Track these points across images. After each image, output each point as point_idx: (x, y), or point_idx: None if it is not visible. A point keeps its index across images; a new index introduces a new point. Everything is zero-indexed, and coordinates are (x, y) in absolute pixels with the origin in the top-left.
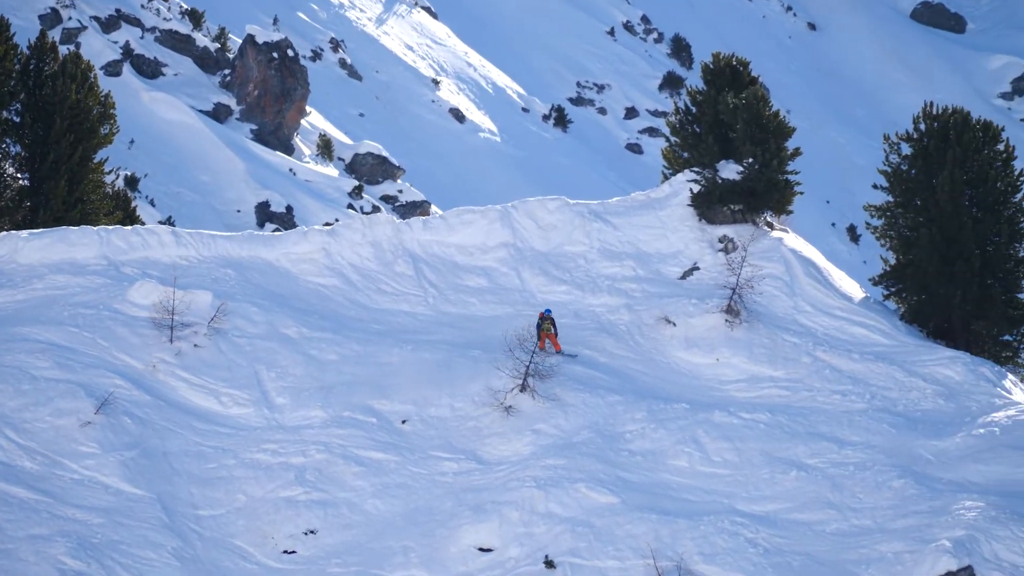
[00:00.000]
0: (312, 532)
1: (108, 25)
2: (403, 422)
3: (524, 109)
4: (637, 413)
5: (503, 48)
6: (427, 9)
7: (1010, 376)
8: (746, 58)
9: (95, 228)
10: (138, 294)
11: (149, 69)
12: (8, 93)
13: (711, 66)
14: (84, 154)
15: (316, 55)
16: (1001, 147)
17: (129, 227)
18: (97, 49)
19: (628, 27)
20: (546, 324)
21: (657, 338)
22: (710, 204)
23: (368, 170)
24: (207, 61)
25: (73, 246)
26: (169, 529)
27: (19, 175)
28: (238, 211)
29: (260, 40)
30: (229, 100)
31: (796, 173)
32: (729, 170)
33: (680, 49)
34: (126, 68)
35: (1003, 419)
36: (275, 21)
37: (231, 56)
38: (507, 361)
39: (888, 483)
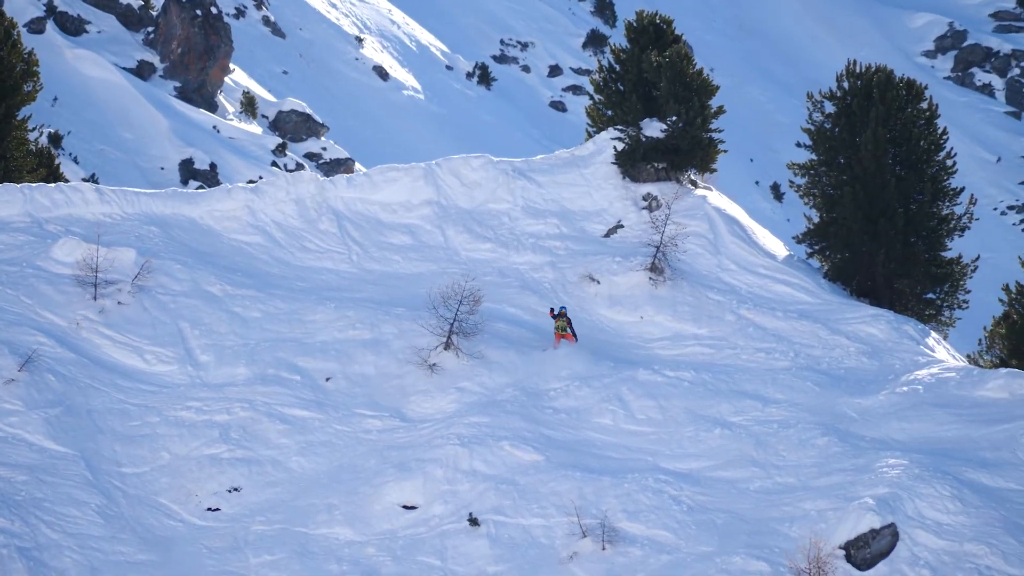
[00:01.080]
0: (236, 490)
1: None
2: (327, 380)
3: (448, 67)
4: (561, 371)
5: (426, 5)
6: None
7: (933, 334)
8: (669, 16)
9: (18, 185)
10: (62, 251)
11: (72, 26)
12: None
13: (635, 24)
14: (7, 111)
15: (239, 12)
16: (924, 105)
17: (53, 184)
18: (20, 6)
19: None
20: (560, 323)
21: (581, 296)
22: (634, 162)
23: (292, 128)
24: (131, 19)
25: None
26: (93, 487)
27: None
28: (162, 168)
29: None
30: (153, 58)
31: (720, 131)
32: (653, 128)
33: (604, 7)
34: (49, 25)
35: (926, 377)
36: None
37: (155, 14)
38: (431, 319)
39: (812, 441)
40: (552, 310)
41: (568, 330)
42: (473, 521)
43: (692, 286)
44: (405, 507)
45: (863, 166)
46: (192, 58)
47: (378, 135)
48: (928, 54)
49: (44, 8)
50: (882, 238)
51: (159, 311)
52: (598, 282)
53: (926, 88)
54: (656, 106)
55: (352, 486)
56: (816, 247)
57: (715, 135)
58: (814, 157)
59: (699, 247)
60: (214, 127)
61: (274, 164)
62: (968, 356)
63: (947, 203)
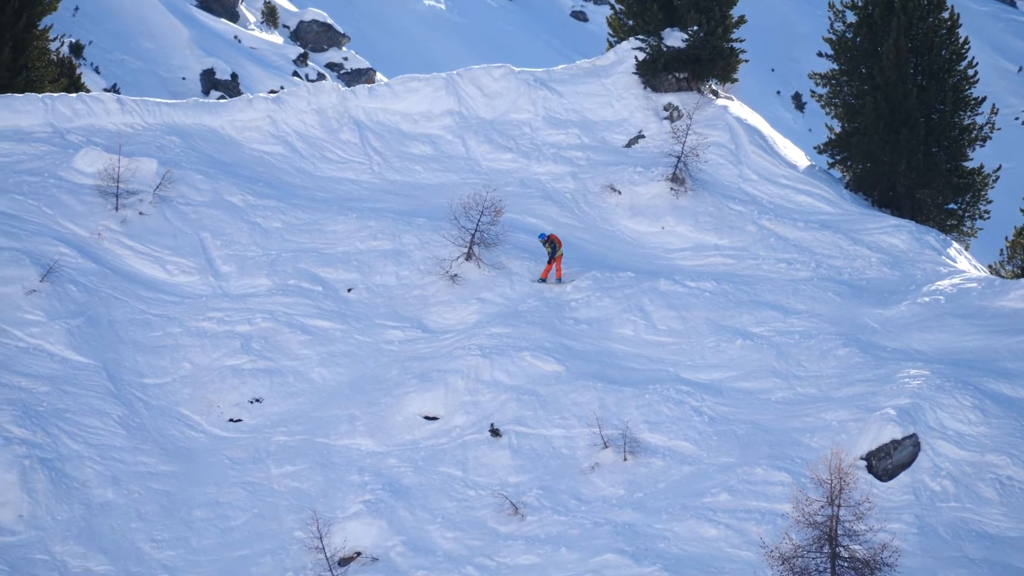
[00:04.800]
0: (258, 400)
1: None
2: (348, 290)
3: None
4: (583, 281)
5: None
6: None
7: (955, 244)
8: None
9: (40, 95)
10: (83, 161)
11: None
12: None
13: None
14: (28, 21)
15: None
16: (945, 15)
17: (74, 94)
18: None
19: None
20: (553, 249)
21: (602, 206)
22: (655, 72)
23: (313, 37)
24: None
25: (17, 113)
26: (115, 397)
27: None
28: (183, 79)
29: None
30: None
31: (741, 41)
32: (674, 38)
33: None
34: None
35: (948, 287)
36: None
37: None
38: (452, 229)
39: (833, 351)
40: (542, 238)
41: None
42: (494, 432)
43: (713, 196)
44: (427, 418)
45: (884, 76)
46: None
47: (399, 45)
48: None
49: None
50: (903, 148)
51: (180, 221)
52: (619, 192)
53: None
54: (677, 15)
55: (373, 397)
56: (837, 157)
57: (736, 45)
58: (836, 67)
59: (720, 157)
60: (235, 37)
61: (295, 74)
62: (990, 266)
63: (968, 113)
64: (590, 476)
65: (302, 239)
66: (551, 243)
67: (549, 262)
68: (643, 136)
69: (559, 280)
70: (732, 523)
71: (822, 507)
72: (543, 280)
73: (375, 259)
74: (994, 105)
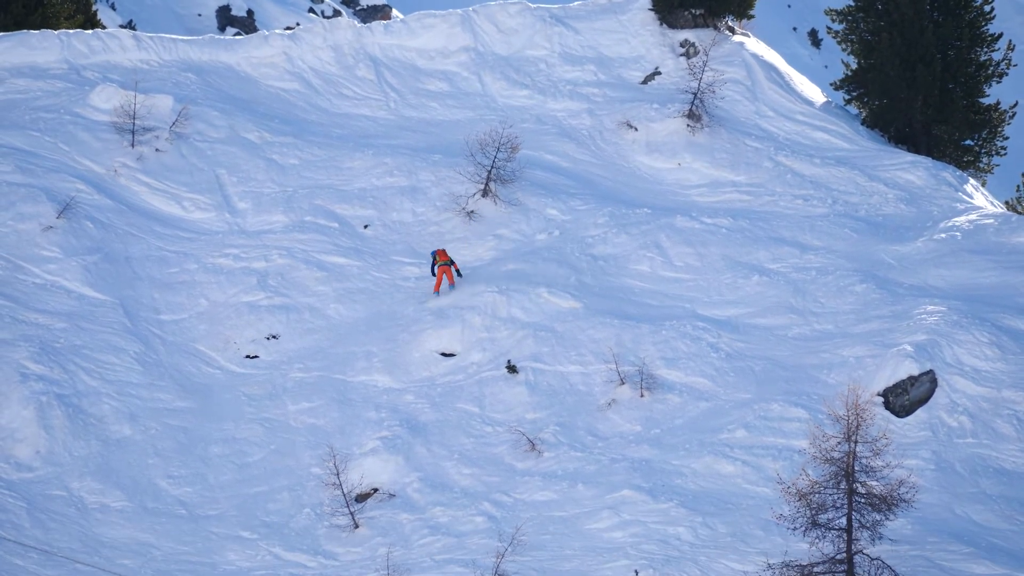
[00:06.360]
0: (274, 337)
1: None
2: (365, 227)
3: None
4: (599, 218)
5: None
6: None
7: (971, 180)
8: None
9: (55, 32)
10: (99, 98)
11: None
12: None
13: None
14: None
15: None
16: None
17: (90, 31)
18: None
19: None
20: (442, 260)
21: (619, 143)
22: (671, 8)
23: None
24: None
25: (34, 50)
26: (131, 333)
27: None
28: (199, 15)
29: None
30: None
31: None
32: None
33: None
34: None
35: (965, 223)
36: None
37: None
38: (469, 166)
39: (850, 288)
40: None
41: (450, 265)
42: (511, 368)
43: (730, 133)
44: (443, 354)
45: (901, 12)
46: None
47: None
48: None
49: None
50: (920, 84)
51: (197, 158)
52: (636, 129)
53: None
54: None
55: (390, 333)
56: (854, 94)
57: None
58: (852, 3)
59: (737, 94)
60: None
61: (311, 11)
62: (1006, 202)
63: (985, 49)
64: (607, 412)
65: (318, 176)
66: (435, 258)
67: (437, 272)
68: (659, 73)
69: (452, 286)
70: (749, 459)
71: (839, 443)
72: (437, 293)
73: (391, 196)
74: (1010, 41)
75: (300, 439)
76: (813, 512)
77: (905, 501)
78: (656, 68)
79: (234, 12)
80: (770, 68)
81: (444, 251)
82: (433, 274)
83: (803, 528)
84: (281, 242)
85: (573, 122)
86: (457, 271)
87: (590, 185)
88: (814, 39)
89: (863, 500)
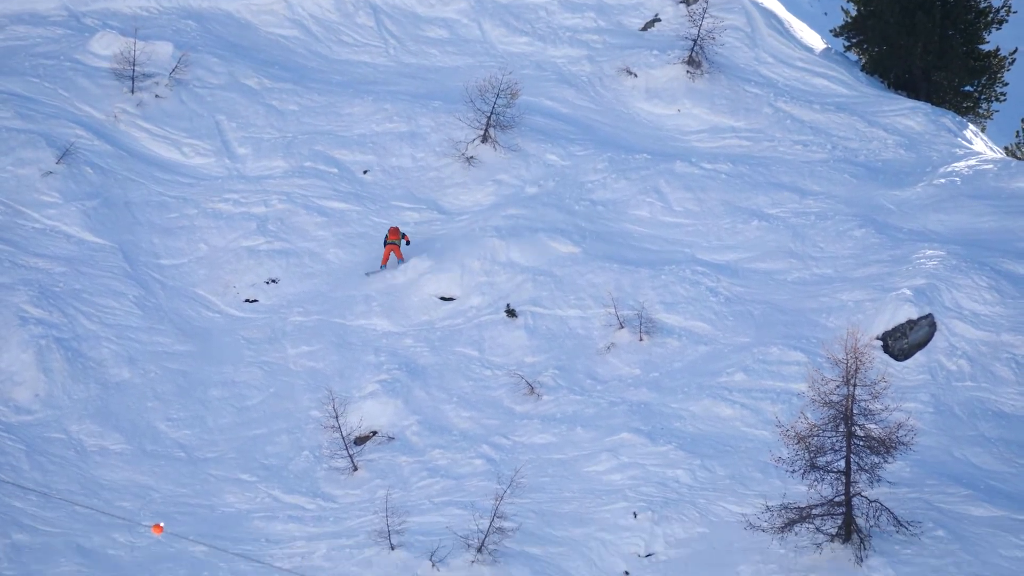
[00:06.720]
0: (274, 281)
1: None
2: (364, 172)
3: None
4: (599, 163)
5: None
6: None
7: (970, 126)
8: None
9: None
10: (99, 44)
11: None
12: None
13: None
14: None
15: None
16: None
17: None
18: None
19: None
20: (394, 238)
21: (618, 89)
22: None
23: None
24: None
25: None
26: (131, 278)
27: None
28: None
29: None
30: None
31: None
32: None
33: None
34: None
35: (964, 169)
36: None
37: None
38: (468, 112)
39: (849, 232)
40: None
41: (398, 244)
42: (510, 312)
43: (729, 79)
44: (442, 299)
45: None
46: None
47: None
48: None
49: None
50: (919, 31)
51: (196, 104)
52: (635, 75)
53: None
54: None
55: (389, 277)
56: (854, 40)
57: None
58: None
59: (736, 40)
60: None
61: None
62: (1006, 148)
63: None
64: (606, 356)
65: (318, 121)
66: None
67: (387, 246)
68: (659, 20)
69: (400, 261)
70: (747, 402)
71: (838, 386)
72: (383, 267)
73: (391, 141)
74: None
75: (299, 382)
76: (812, 455)
77: (904, 444)
78: (656, 15)
79: None
80: (770, 15)
81: (396, 229)
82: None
83: (802, 471)
84: (281, 187)
85: (573, 68)
86: (407, 241)
87: (589, 131)
88: None
89: (862, 443)
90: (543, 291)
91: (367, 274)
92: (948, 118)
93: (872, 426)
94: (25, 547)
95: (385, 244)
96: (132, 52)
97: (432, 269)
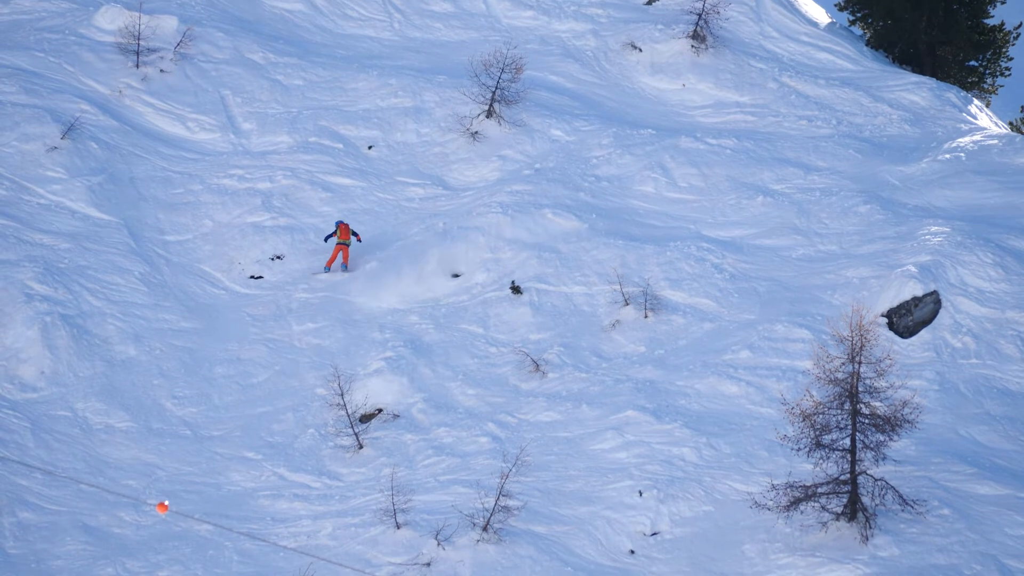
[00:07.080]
0: (279, 257)
1: None
2: (369, 148)
3: None
4: (603, 139)
5: None
6: None
7: (975, 101)
8: None
9: None
10: (104, 19)
11: None
12: None
13: None
14: None
15: None
16: None
17: None
18: None
19: None
20: (343, 237)
21: (623, 64)
22: None
23: None
24: None
25: None
26: (136, 254)
27: None
28: None
29: None
30: None
31: None
32: None
33: None
34: None
35: (969, 144)
36: None
37: None
38: (473, 87)
39: (854, 208)
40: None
41: (348, 245)
42: (515, 289)
43: (734, 54)
44: (453, 275)
45: None
46: None
47: None
48: None
49: None
50: (924, 5)
51: (201, 79)
52: (640, 50)
53: None
54: None
55: (394, 253)
56: (858, 14)
57: None
58: None
59: (741, 15)
60: None
61: None
62: (1011, 123)
63: None
64: (611, 333)
65: (323, 96)
66: (337, 232)
67: (334, 248)
68: None
69: (344, 266)
70: (753, 380)
71: (843, 364)
72: (328, 268)
73: (396, 116)
74: None
75: (304, 360)
76: (817, 433)
77: (909, 422)
78: None
79: None
80: None
81: (347, 226)
82: (328, 240)
83: (807, 449)
84: (285, 163)
85: (577, 43)
86: (358, 239)
87: (594, 106)
88: None
89: (867, 421)
90: (548, 267)
91: (313, 274)
92: (953, 93)
93: (877, 404)
94: (31, 525)
95: (328, 239)
96: (137, 26)
97: (437, 245)
